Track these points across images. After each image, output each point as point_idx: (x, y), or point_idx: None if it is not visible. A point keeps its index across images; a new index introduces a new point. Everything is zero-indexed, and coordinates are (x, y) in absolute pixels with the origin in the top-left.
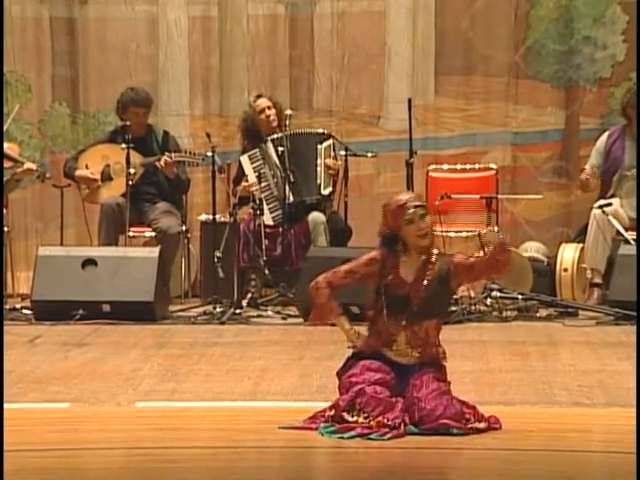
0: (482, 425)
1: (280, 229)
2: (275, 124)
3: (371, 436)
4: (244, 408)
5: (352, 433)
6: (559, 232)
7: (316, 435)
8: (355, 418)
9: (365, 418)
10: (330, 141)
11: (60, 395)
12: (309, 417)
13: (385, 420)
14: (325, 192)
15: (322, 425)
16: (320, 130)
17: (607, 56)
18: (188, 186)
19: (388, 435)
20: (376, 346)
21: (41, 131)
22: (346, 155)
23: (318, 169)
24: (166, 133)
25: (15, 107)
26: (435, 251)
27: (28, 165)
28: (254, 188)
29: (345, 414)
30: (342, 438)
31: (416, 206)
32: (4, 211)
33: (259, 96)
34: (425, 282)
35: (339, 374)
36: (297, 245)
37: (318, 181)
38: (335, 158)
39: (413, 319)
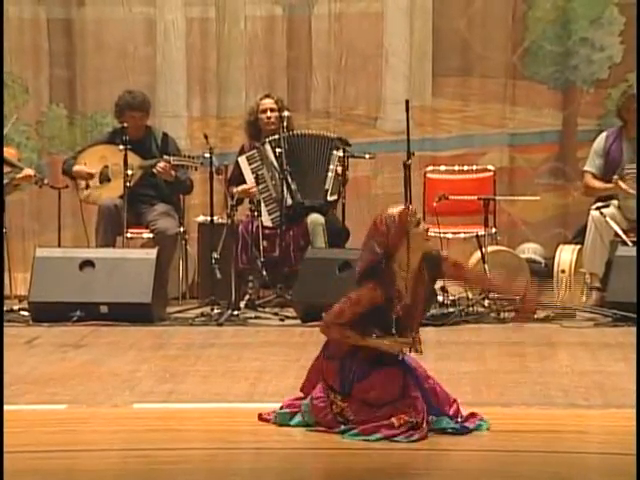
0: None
1: (279, 230)
2: (273, 127)
3: (397, 439)
4: (241, 409)
5: (378, 435)
6: (556, 233)
7: (312, 436)
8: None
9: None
10: (340, 152)
11: (57, 396)
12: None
13: (407, 417)
14: (331, 199)
15: (342, 428)
16: (335, 135)
17: (604, 57)
18: (191, 187)
19: (415, 437)
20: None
21: (38, 132)
22: (344, 157)
23: (329, 174)
24: (165, 135)
25: (12, 117)
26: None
27: (27, 171)
28: (253, 190)
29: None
30: (368, 440)
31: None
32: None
33: (267, 96)
34: (422, 295)
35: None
36: (295, 246)
37: (326, 186)
38: (346, 167)
39: (415, 327)
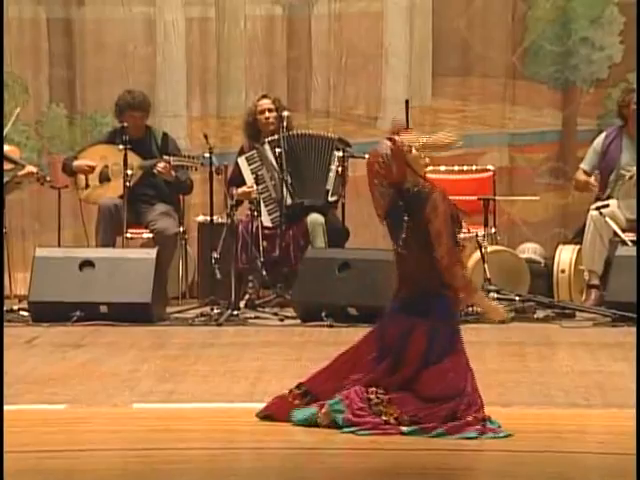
0: None
1: (278, 230)
2: (272, 127)
3: (488, 435)
4: (241, 409)
5: (472, 433)
6: (556, 233)
7: (312, 436)
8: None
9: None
10: (340, 152)
11: (57, 396)
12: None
13: (471, 416)
14: (332, 199)
15: (409, 429)
16: (336, 136)
17: (604, 57)
18: (191, 187)
19: (502, 433)
20: None
21: (38, 132)
22: (344, 157)
23: (330, 175)
24: (165, 135)
25: (15, 110)
26: None
27: (29, 168)
28: (252, 192)
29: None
30: (467, 438)
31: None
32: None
33: (264, 96)
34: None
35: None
36: (295, 246)
37: (327, 186)
38: (346, 167)
39: None
